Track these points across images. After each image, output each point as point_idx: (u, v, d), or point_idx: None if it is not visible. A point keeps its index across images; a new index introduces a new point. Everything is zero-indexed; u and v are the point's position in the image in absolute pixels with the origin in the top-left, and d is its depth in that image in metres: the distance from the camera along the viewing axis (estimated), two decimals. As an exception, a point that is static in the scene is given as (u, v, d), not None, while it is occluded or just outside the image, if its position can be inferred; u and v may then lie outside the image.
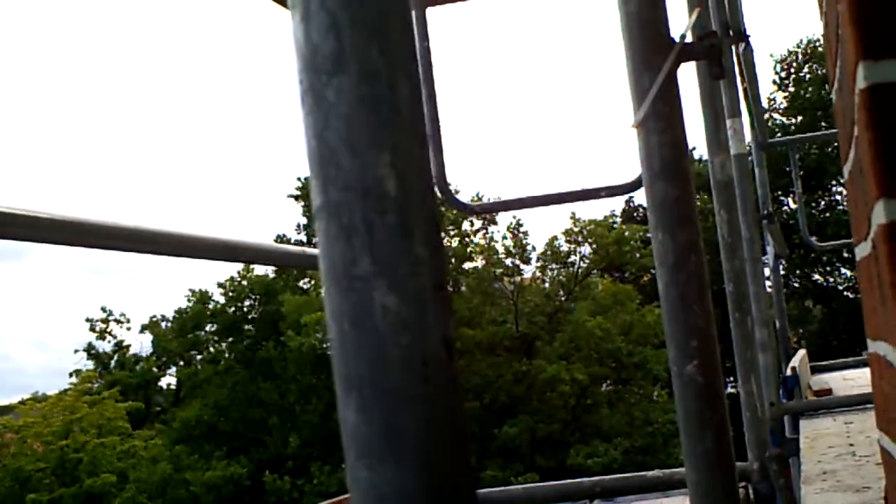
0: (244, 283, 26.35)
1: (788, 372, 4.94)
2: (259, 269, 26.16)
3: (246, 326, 26.64)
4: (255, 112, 42.72)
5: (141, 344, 28.14)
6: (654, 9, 1.53)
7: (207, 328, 26.73)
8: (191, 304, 26.78)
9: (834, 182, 25.77)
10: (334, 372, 0.49)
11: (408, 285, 0.48)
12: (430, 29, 2.92)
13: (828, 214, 25.68)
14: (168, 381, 27.98)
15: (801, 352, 5.90)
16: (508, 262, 25.07)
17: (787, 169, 20.42)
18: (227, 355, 26.02)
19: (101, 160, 41.35)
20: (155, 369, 27.22)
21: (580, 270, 25.40)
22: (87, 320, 26.41)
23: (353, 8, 0.49)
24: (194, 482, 22.19)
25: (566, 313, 24.17)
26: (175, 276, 43.80)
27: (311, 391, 23.65)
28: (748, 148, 4.60)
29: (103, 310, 26.63)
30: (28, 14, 41.88)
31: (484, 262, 24.89)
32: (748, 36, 4.15)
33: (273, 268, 25.03)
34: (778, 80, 27.15)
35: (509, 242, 25.22)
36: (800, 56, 26.92)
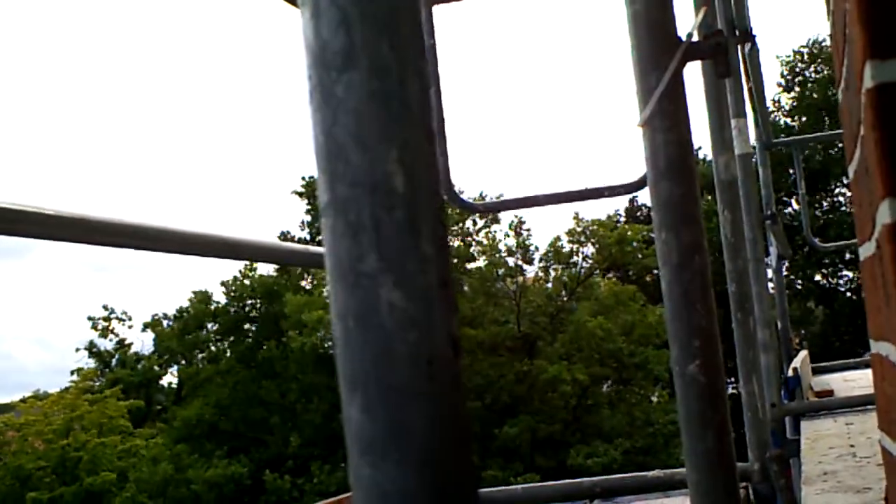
0: (246, 282, 26.36)
1: (790, 373, 4.94)
2: (261, 270, 26.19)
3: (247, 326, 26.66)
4: (259, 109, 42.77)
5: (142, 342, 28.23)
6: (661, 8, 1.53)
7: (209, 327, 26.74)
8: (192, 304, 26.80)
9: (837, 184, 25.76)
10: (339, 369, 0.48)
11: (414, 282, 0.47)
12: (437, 27, 2.93)
13: (831, 216, 25.66)
14: (169, 379, 28.05)
15: (803, 353, 5.90)
16: (511, 262, 25.08)
17: (791, 171, 20.45)
18: (228, 354, 26.03)
19: (106, 157, 41.40)
20: (156, 368, 27.24)
21: (583, 270, 25.40)
22: (89, 318, 26.46)
23: (363, 3, 0.49)
24: (196, 480, 22.20)
25: (568, 313, 24.17)
26: (177, 274, 43.83)
27: (313, 391, 23.65)
28: (753, 148, 4.60)
29: (105, 308, 26.67)
30: (36, 12, 41.92)
31: (487, 261, 24.89)
32: (754, 35, 4.14)
33: (275, 268, 25.09)
34: (784, 83, 27.14)
35: (512, 241, 25.24)
36: (805, 57, 26.89)
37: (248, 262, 25.05)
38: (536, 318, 23.99)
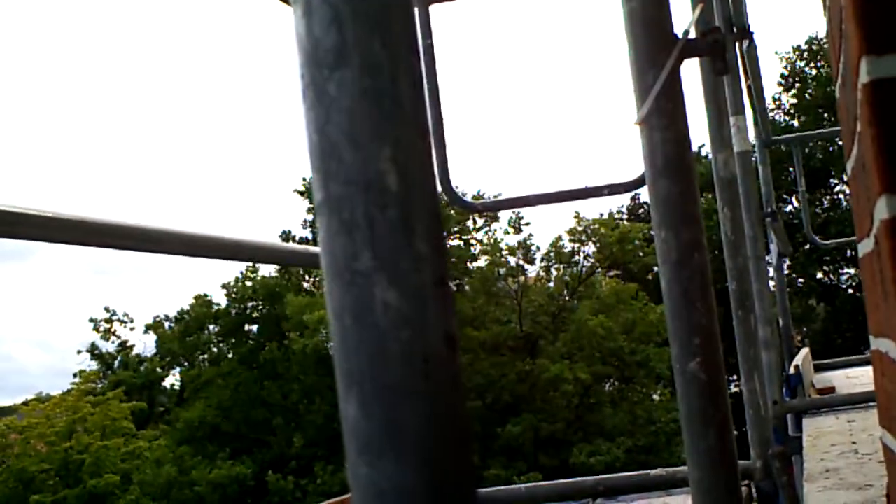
0: (247, 283, 26.36)
1: (791, 370, 4.94)
2: (263, 272, 26.19)
3: (249, 327, 26.66)
4: (261, 108, 42.78)
5: (144, 344, 28.19)
6: (657, 5, 1.53)
7: (210, 329, 26.74)
8: (194, 306, 26.80)
9: (837, 181, 25.75)
10: (336, 367, 0.48)
11: (409, 281, 0.47)
12: (434, 26, 2.93)
13: (831, 213, 25.65)
14: (171, 381, 28.05)
15: (805, 350, 5.90)
16: (512, 261, 25.09)
17: (791, 169, 20.45)
18: (230, 356, 26.03)
19: (107, 159, 41.42)
20: (158, 370, 27.24)
21: (584, 269, 25.40)
22: (91, 320, 26.44)
23: (355, 1, 0.49)
24: (199, 481, 22.22)
25: (570, 312, 24.18)
26: (179, 275, 43.83)
27: (315, 391, 23.66)
28: (752, 145, 4.60)
29: (107, 310, 26.65)
30: (35, 13, 41.93)
31: (488, 261, 24.90)
32: (752, 32, 4.14)
33: (276, 269, 25.09)
34: (783, 82, 27.13)
35: (513, 241, 25.26)
36: (804, 54, 26.87)
37: (249, 264, 25.08)
38: (538, 317, 23.99)
